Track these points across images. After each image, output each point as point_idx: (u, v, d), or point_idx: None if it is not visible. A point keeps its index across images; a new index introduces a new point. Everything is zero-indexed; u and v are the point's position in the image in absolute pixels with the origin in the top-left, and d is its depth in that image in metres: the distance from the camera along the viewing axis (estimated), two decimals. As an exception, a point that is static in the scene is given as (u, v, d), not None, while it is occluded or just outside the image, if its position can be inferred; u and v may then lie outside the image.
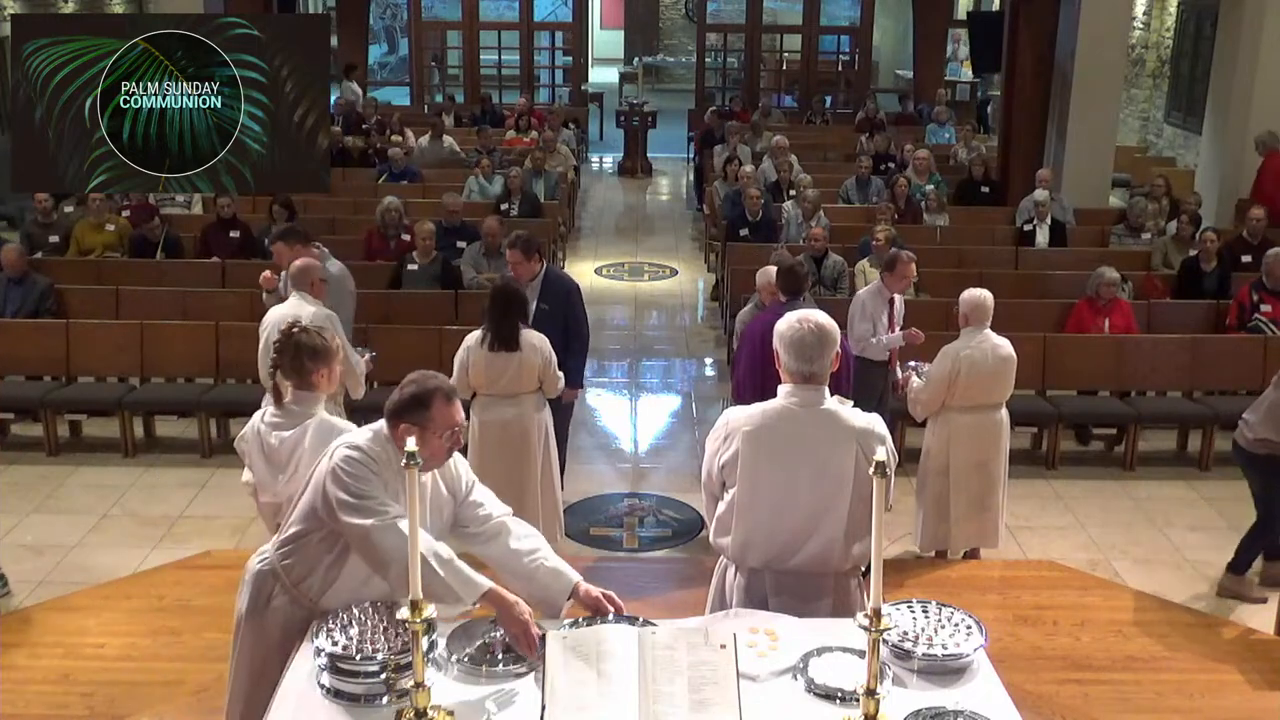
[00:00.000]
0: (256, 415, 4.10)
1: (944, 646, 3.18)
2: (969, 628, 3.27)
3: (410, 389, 3.28)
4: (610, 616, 3.26)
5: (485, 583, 3.24)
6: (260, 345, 6.21)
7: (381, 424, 3.34)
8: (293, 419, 3.98)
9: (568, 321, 6.55)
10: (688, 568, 6.23)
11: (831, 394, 3.64)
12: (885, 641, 3.07)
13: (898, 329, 6.97)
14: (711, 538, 3.78)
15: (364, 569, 3.30)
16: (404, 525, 3.12)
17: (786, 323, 3.62)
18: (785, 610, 3.50)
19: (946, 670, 3.15)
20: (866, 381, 6.76)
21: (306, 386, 4.02)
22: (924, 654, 3.15)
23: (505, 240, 6.91)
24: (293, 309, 6.08)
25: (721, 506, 3.69)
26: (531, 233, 7.02)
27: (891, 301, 6.94)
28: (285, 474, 3.94)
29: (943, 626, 3.27)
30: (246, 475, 4.10)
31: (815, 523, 3.55)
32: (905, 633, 3.22)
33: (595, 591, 3.39)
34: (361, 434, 3.38)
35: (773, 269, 6.59)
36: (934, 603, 3.40)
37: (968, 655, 3.18)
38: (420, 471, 3.21)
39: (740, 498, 3.59)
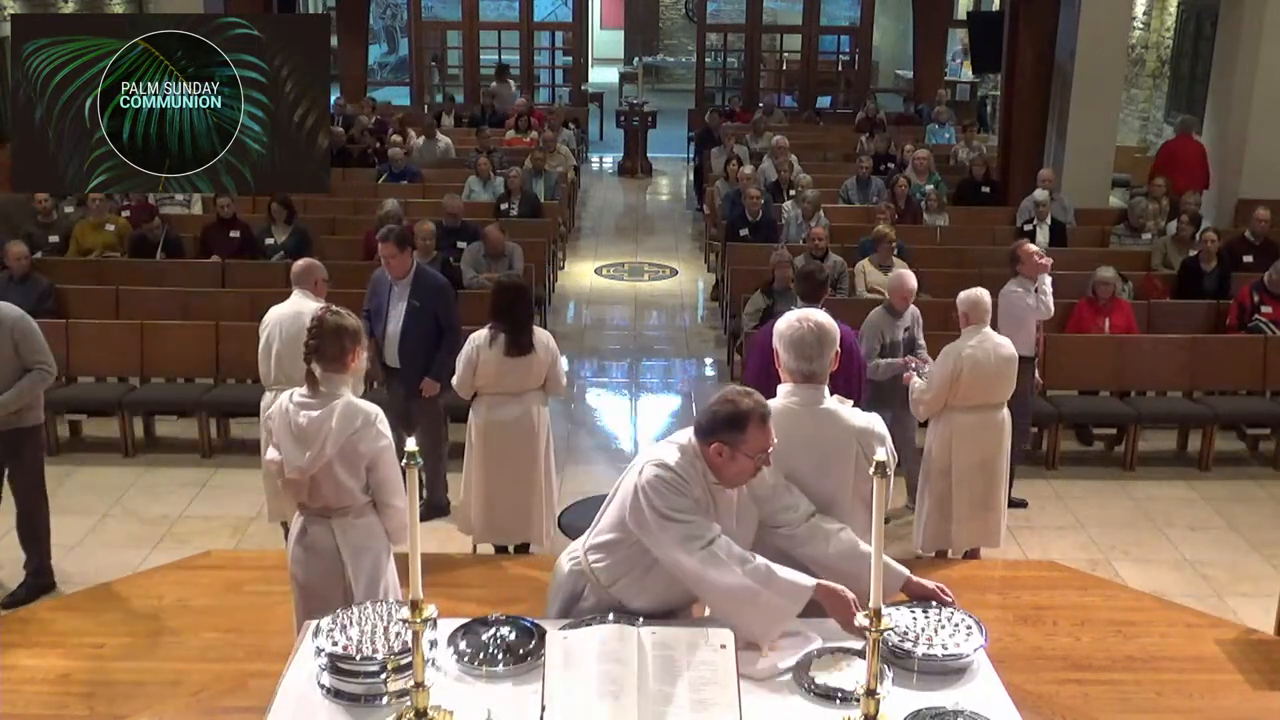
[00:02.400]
0: (284, 395, 4.18)
1: (944, 646, 3.18)
2: (969, 628, 3.27)
3: (727, 409, 3.21)
4: (610, 616, 3.26)
5: (809, 582, 3.21)
6: (260, 345, 6.22)
7: (689, 438, 3.31)
8: (321, 400, 4.06)
9: (439, 319, 6.62)
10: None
11: (832, 394, 3.65)
12: (885, 642, 3.07)
13: (1046, 314, 7.00)
14: None
15: (757, 620, 3.25)
16: (721, 549, 3.17)
17: (786, 322, 3.62)
18: None
19: (946, 670, 3.15)
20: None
21: (338, 368, 4.08)
22: (924, 654, 3.15)
23: (379, 234, 6.84)
24: (294, 307, 6.10)
25: None
26: (403, 227, 7.02)
27: (1036, 289, 6.91)
28: (311, 451, 4.02)
29: (943, 626, 3.27)
30: (272, 454, 4.17)
31: None
32: (905, 633, 3.22)
33: (930, 585, 3.41)
34: (668, 451, 3.32)
35: (907, 275, 6.81)
36: (933, 602, 3.40)
37: (968, 655, 3.18)
38: (723, 487, 3.28)
39: None
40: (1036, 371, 7.07)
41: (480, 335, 5.98)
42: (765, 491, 3.43)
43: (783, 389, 3.61)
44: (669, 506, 3.20)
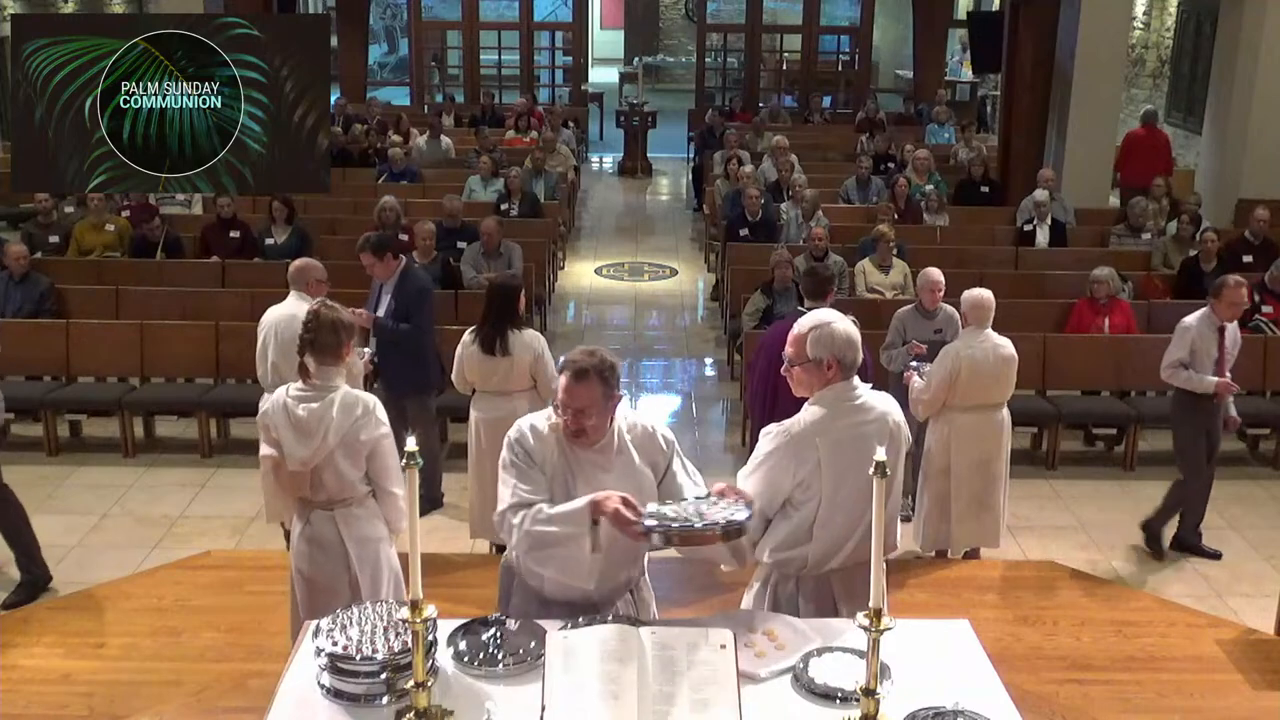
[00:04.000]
0: (280, 391, 4.26)
1: (717, 519, 3.19)
2: (735, 503, 3.28)
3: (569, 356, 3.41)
4: (610, 616, 3.26)
5: (582, 501, 3.25)
6: (258, 345, 6.21)
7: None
8: (319, 392, 4.15)
9: (409, 316, 6.69)
10: (688, 568, 6.22)
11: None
12: (664, 525, 3.13)
13: (1229, 364, 6.25)
14: (766, 555, 3.63)
15: (564, 562, 3.32)
16: (510, 517, 3.29)
17: (829, 325, 3.56)
18: (856, 607, 3.50)
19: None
20: (1191, 419, 6.32)
21: (332, 360, 4.17)
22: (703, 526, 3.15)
23: (358, 244, 6.90)
24: (290, 308, 6.08)
25: (786, 523, 3.57)
26: (382, 234, 7.06)
27: (1222, 330, 6.22)
28: (314, 442, 4.10)
29: (714, 503, 3.28)
30: (266, 450, 4.24)
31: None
32: (675, 516, 3.21)
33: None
34: (539, 415, 3.49)
35: (933, 271, 6.80)
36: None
37: (743, 521, 3.20)
38: (580, 447, 3.36)
39: (824, 507, 3.52)
40: (1231, 408, 6.41)
41: (469, 332, 6.10)
42: (660, 460, 3.49)
43: (834, 389, 3.55)
44: (502, 464, 3.40)
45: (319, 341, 4.14)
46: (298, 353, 4.20)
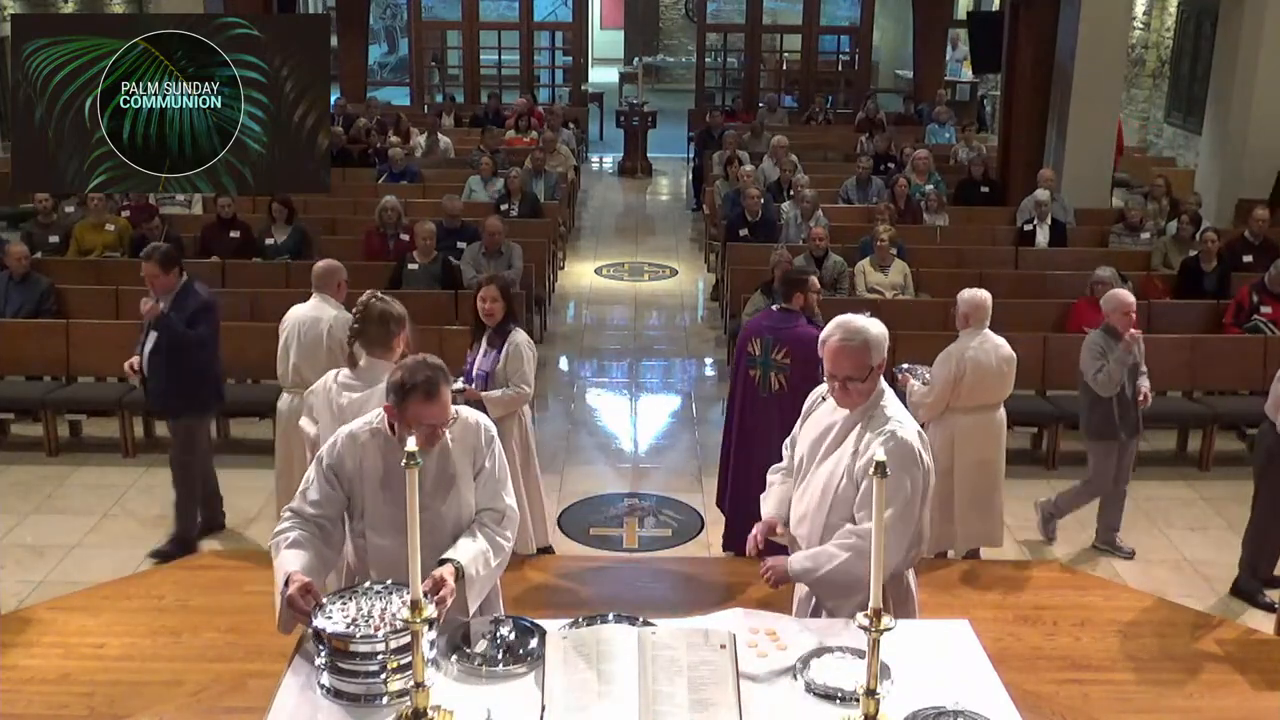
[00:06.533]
0: (330, 374, 4.37)
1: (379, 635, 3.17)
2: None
3: (396, 376, 3.31)
4: (610, 616, 3.26)
5: (281, 573, 3.22)
6: (280, 344, 6.15)
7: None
8: (365, 383, 4.22)
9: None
10: (688, 568, 6.23)
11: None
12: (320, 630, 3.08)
13: None
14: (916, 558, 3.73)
15: None
16: (283, 523, 3.36)
17: (867, 326, 3.49)
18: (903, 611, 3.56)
19: None
20: None
21: (382, 352, 4.24)
22: None
23: (143, 251, 6.35)
24: (314, 311, 6.04)
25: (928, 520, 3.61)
26: (171, 246, 6.55)
27: None
28: None
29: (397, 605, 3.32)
30: (306, 424, 4.45)
31: None
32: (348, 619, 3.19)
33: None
34: (354, 421, 3.51)
35: (1123, 292, 6.34)
36: None
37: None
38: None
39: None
40: None
41: (525, 335, 5.84)
42: (480, 459, 3.47)
43: (887, 388, 3.59)
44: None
45: (366, 332, 4.22)
46: (346, 341, 4.31)
